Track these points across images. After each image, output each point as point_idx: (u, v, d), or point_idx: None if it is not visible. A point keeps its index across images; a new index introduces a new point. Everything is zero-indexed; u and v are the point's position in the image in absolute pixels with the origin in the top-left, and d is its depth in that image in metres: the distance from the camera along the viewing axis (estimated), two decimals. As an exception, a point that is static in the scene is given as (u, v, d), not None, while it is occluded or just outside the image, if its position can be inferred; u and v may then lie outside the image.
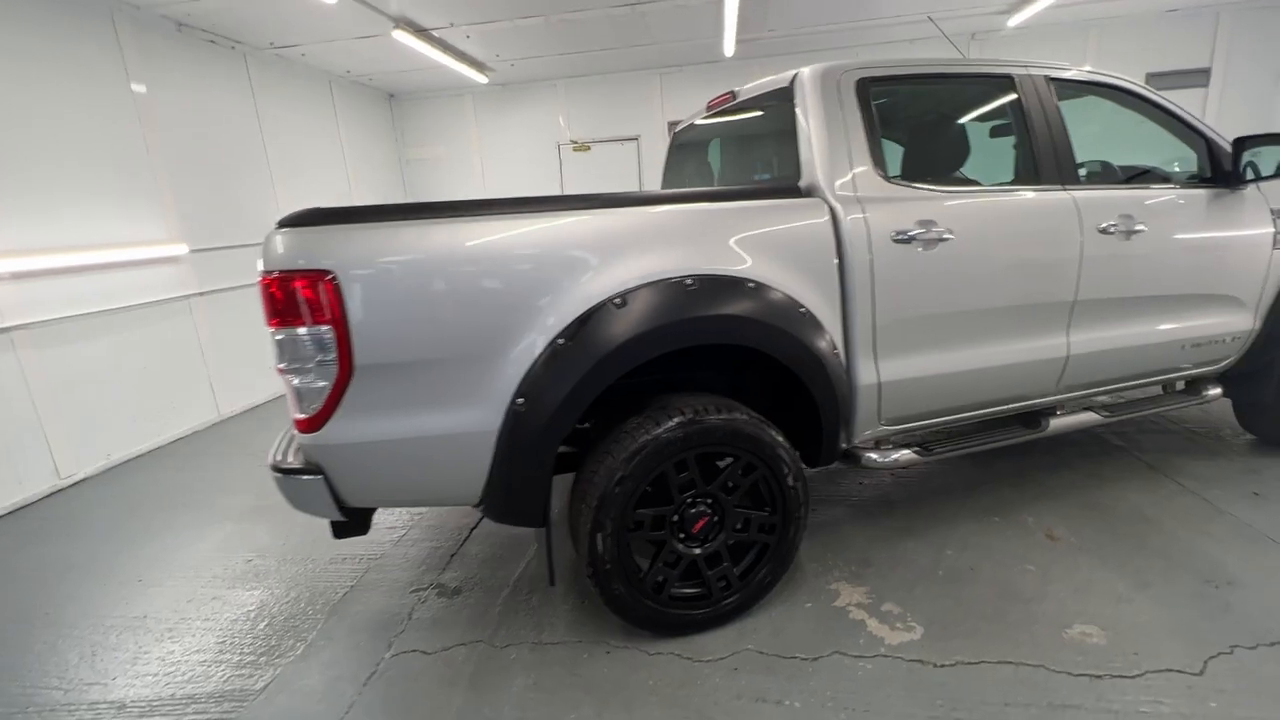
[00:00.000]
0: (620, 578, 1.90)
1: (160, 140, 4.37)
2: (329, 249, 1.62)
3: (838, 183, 2.06)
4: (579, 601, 2.28)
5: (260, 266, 1.67)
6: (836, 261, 2.02)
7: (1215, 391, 2.80)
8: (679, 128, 3.32)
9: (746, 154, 2.93)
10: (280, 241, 1.63)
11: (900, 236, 2.07)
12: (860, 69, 2.16)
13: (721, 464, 2.01)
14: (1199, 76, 6.44)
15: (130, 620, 2.36)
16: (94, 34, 3.98)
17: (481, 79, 6.56)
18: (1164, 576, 2.18)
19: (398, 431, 1.73)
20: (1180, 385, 2.92)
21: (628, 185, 7.53)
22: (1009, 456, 3.17)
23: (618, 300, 1.77)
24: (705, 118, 2.92)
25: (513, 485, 1.80)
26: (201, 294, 4.64)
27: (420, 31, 5.08)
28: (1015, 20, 5.83)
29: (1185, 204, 2.53)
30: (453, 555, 2.68)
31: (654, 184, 7.51)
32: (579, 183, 7.57)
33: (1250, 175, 2.65)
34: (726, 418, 1.89)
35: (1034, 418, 2.52)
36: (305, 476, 1.72)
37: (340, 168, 6.46)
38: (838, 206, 2.03)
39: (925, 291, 2.14)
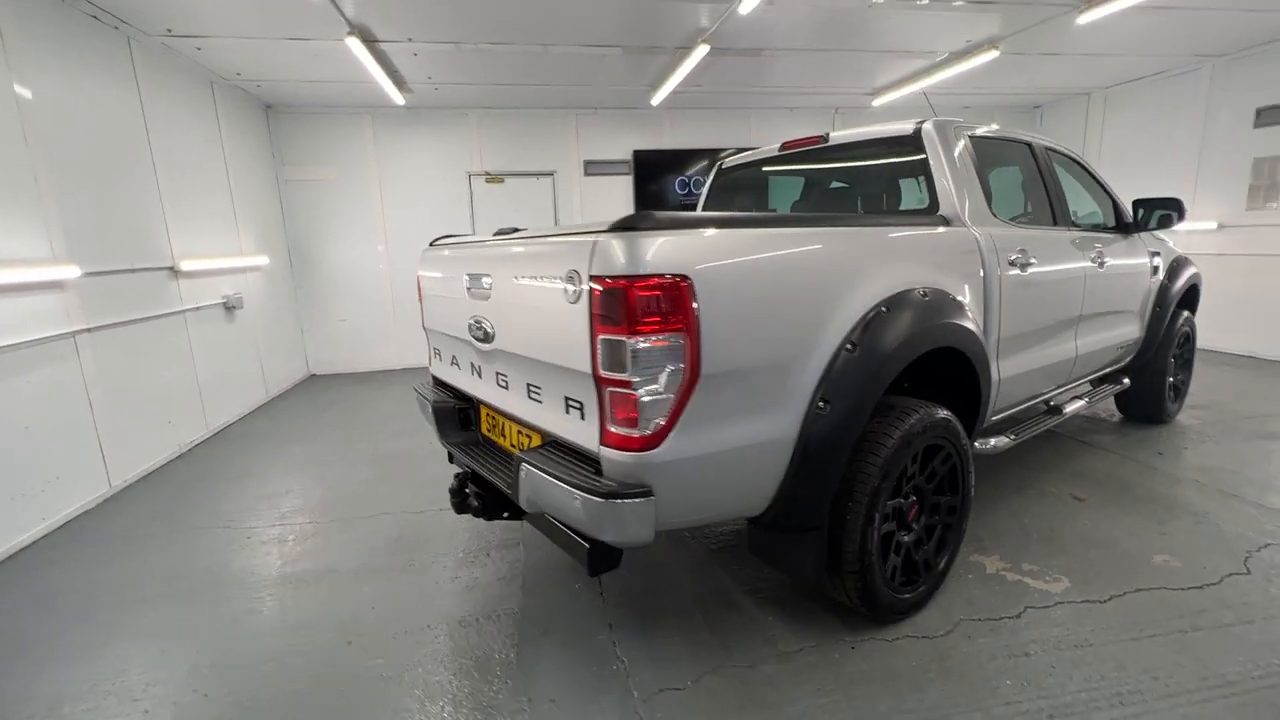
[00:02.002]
0: (879, 570, 2.02)
1: (41, 134, 3.34)
2: (684, 253, 1.56)
3: (968, 214, 2.50)
4: (777, 610, 2.30)
5: (591, 270, 1.54)
6: (983, 275, 2.43)
7: (1127, 381, 3.81)
8: (726, 161, 3.58)
9: (840, 187, 3.28)
10: (628, 246, 1.51)
11: (1014, 260, 2.56)
12: (964, 126, 2.65)
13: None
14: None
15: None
16: (-41, -16, 2.98)
17: (399, 99, 6.09)
18: (1169, 516, 2.93)
19: (719, 444, 1.67)
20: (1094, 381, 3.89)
21: (544, 219, 7.47)
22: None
23: (884, 308, 1.94)
24: (779, 154, 3.21)
25: (806, 489, 1.84)
26: (90, 330, 3.57)
27: (370, 42, 4.63)
28: (878, 101, 7.22)
29: (1115, 243, 3.47)
30: (601, 594, 2.48)
31: (580, 217, 7.58)
32: (491, 215, 7.31)
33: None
34: (945, 413, 2.15)
35: (1056, 407, 3.20)
36: (638, 500, 1.57)
37: (223, 182, 5.44)
38: (976, 234, 2.45)
39: (1023, 305, 2.66)
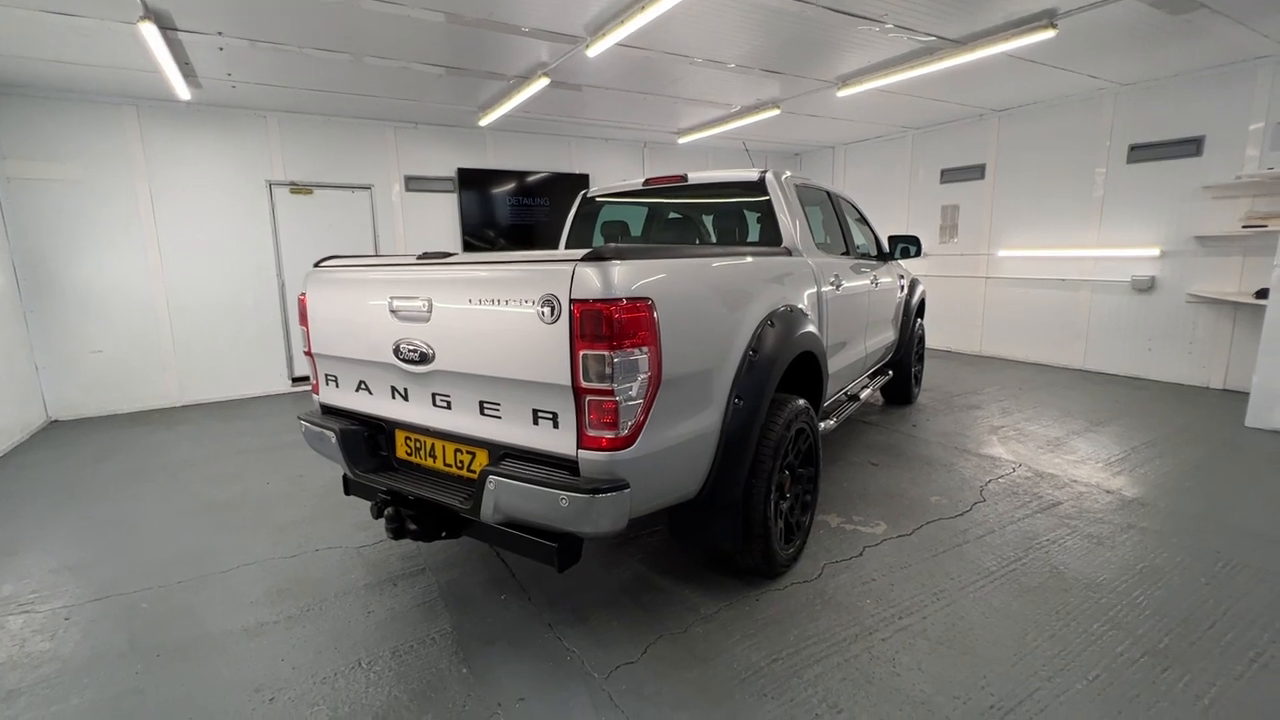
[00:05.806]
0: (774, 533, 2.50)
1: None
2: (645, 279, 1.84)
3: (802, 246, 3.17)
4: (690, 583, 2.68)
5: (572, 295, 1.75)
6: (816, 294, 3.11)
7: (890, 373, 4.99)
8: (590, 192, 3.90)
9: (688, 220, 3.77)
10: (600, 274, 1.76)
11: (832, 282, 3.31)
12: (793, 176, 3.35)
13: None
14: (977, 170, 7.77)
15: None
16: None
17: (184, 94, 5.25)
18: (931, 469, 3.98)
19: (672, 439, 1.99)
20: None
21: (361, 235, 6.98)
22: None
23: (770, 322, 2.45)
24: (643, 188, 3.64)
25: (729, 470, 2.24)
26: None
27: (167, 30, 4.01)
28: (683, 140, 8.18)
29: (880, 268, 4.57)
30: (529, 600, 2.60)
31: (402, 234, 7.21)
32: (299, 230, 6.61)
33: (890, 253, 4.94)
34: (804, 403, 2.73)
35: (854, 395, 4.12)
36: (617, 493, 1.80)
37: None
38: (810, 262, 3.14)
39: (841, 316, 3.43)
